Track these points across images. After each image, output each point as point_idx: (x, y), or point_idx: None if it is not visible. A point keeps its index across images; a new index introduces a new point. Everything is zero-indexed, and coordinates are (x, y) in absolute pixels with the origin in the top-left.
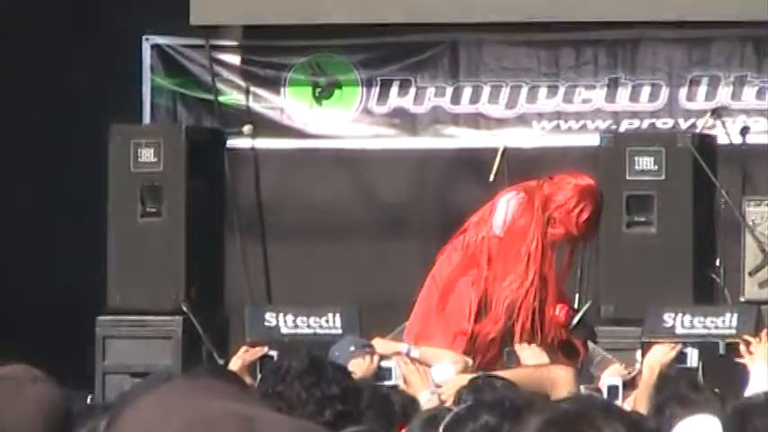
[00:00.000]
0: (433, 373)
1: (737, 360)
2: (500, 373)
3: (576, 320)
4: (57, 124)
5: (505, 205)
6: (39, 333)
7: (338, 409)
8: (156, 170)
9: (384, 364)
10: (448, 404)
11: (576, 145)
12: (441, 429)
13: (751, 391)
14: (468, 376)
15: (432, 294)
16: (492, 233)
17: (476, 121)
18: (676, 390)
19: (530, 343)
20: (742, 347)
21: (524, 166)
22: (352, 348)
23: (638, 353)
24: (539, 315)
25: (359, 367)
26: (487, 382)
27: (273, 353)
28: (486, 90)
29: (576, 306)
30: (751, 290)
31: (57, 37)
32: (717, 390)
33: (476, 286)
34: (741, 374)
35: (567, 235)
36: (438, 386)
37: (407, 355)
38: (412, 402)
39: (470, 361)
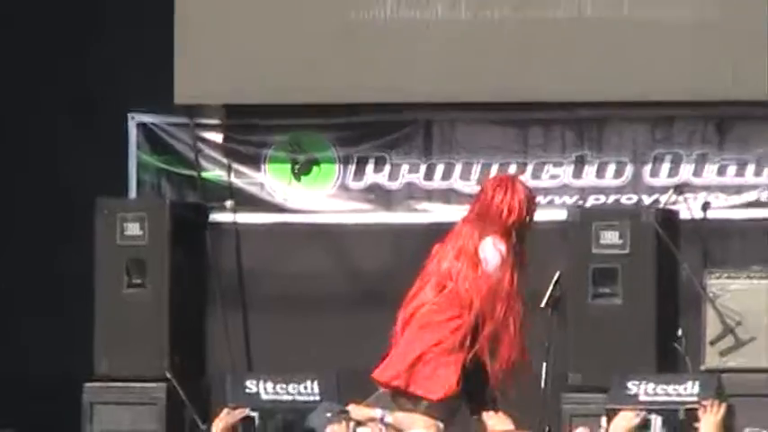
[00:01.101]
0: None
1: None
2: None
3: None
4: (44, 198)
5: (493, 248)
6: (29, 400)
7: None
8: (141, 243)
9: (360, 430)
10: None
11: (543, 219)
12: None
13: None
14: None
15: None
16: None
17: (448, 196)
18: None
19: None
20: (700, 413)
21: None
22: (329, 415)
23: (604, 419)
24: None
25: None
26: None
27: (254, 414)
28: (458, 167)
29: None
30: (711, 359)
31: (43, 111)
32: None
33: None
34: None
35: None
36: None
37: (381, 420)
38: None
39: (442, 426)
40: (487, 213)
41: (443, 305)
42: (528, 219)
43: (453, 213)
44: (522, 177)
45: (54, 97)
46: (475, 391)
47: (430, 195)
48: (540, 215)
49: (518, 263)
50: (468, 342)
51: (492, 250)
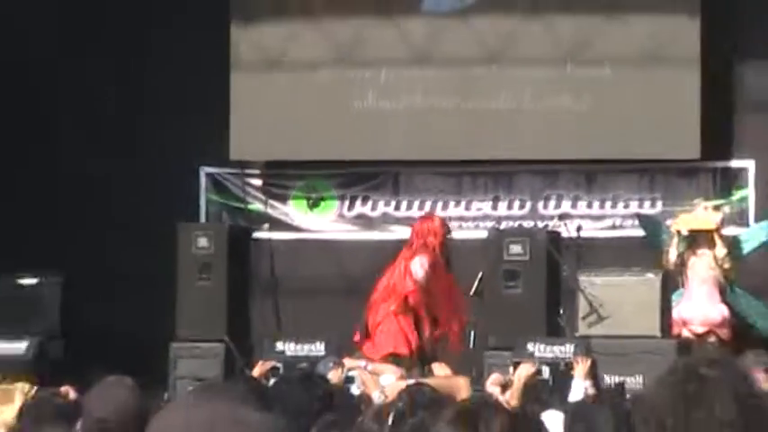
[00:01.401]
0: (381, 380)
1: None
2: (424, 380)
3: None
4: (147, 223)
5: (419, 265)
6: (132, 357)
7: (321, 404)
8: (208, 252)
9: (350, 374)
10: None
11: (472, 237)
12: (390, 420)
13: (572, 394)
14: (404, 383)
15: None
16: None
17: (409, 222)
18: (535, 393)
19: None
20: (574, 364)
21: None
22: (331, 364)
23: (511, 369)
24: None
25: (334, 376)
26: (417, 387)
27: (280, 365)
28: (416, 203)
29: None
30: (582, 329)
31: (136, 167)
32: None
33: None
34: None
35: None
36: (384, 389)
37: (365, 368)
38: (367, 399)
39: (403, 371)
40: (417, 239)
41: (390, 299)
42: (444, 241)
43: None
44: (452, 212)
45: (151, 155)
46: (423, 350)
47: (398, 221)
48: (471, 235)
49: (440, 270)
50: (410, 320)
51: (418, 265)
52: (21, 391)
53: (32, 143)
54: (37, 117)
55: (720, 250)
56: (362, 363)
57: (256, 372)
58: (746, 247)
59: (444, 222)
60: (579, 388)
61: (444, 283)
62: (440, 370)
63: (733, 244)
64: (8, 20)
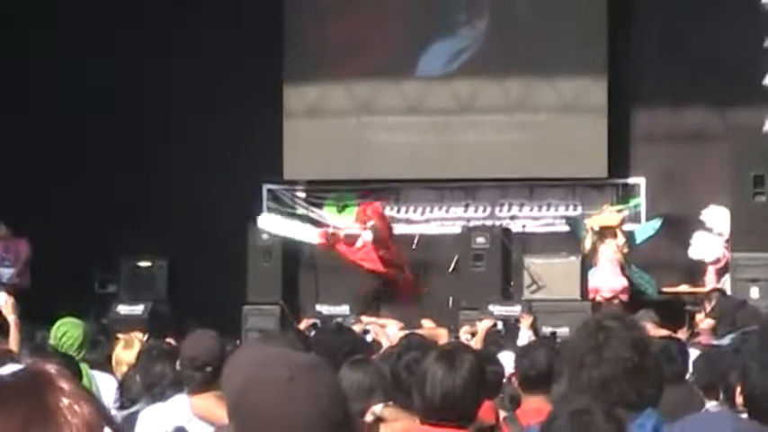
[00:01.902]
0: (387, 330)
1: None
2: (417, 331)
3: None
4: (227, 223)
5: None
6: (215, 316)
7: (348, 347)
8: (268, 243)
9: (367, 327)
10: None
11: (450, 233)
12: (393, 358)
13: (520, 341)
14: (402, 332)
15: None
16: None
17: (408, 221)
18: (494, 339)
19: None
20: (521, 319)
21: (427, 240)
22: (352, 320)
23: (477, 322)
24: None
25: (356, 328)
26: (411, 335)
27: (318, 321)
28: (412, 208)
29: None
30: (527, 295)
31: (220, 184)
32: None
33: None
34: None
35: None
36: (389, 336)
37: (375, 323)
38: (378, 344)
39: (402, 324)
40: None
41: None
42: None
43: (409, 229)
44: (435, 215)
45: (230, 176)
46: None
47: (398, 221)
48: (449, 230)
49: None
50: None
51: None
52: (138, 339)
53: (145, 162)
54: (140, 140)
55: (621, 240)
56: (373, 319)
57: (302, 325)
58: (639, 238)
59: (381, 206)
60: (525, 336)
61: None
62: (427, 323)
63: (630, 236)
64: (96, 46)
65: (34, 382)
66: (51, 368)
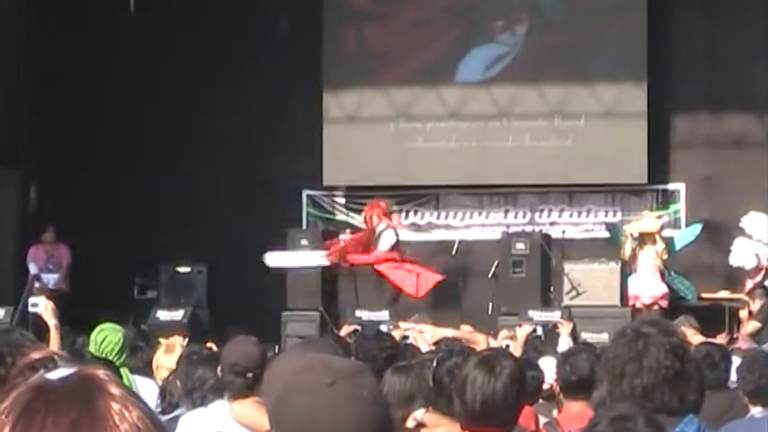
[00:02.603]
0: (425, 335)
1: (558, 331)
2: (454, 334)
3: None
4: (267, 229)
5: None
6: (255, 321)
7: (388, 353)
8: (308, 248)
9: (406, 333)
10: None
11: (489, 238)
12: (434, 363)
13: (560, 347)
14: (439, 337)
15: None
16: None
17: (447, 227)
18: (534, 344)
19: None
20: (560, 326)
21: (467, 246)
22: (391, 327)
23: (516, 328)
24: None
25: (395, 334)
26: (451, 340)
27: (359, 327)
28: (451, 214)
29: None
30: (566, 301)
31: (261, 191)
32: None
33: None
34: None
35: None
36: (428, 342)
37: (413, 329)
38: (416, 349)
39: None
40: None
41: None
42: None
43: (449, 235)
44: (475, 221)
45: (270, 182)
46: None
47: (438, 227)
48: (488, 236)
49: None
50: None
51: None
52: (179, 344)
53: (185, 168)
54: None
55: (660, 246)
56: (411, 325)
57: (343, 332)
58: (678, 245)
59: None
60: (565, 342)
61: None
62: (466, 328)
63: (669, 242)
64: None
65: (84, 387)
66: (101, 373)
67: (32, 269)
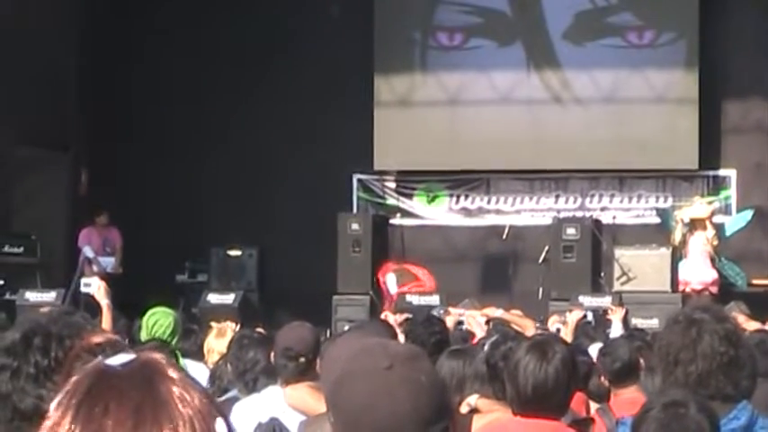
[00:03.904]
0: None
1: (608, 317)
2: (503, 315)
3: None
4: (317, 213)
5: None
6: (305, 305)
7: (437, 338)
8: (359, 233)
9: (460, 318)
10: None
11: (540, 224)
12: (486, 347)
13: (613, 333)
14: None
15: None
16: None
17: (498, 211)
18: (584, 330)
19: None
20: (610, 312)
21: (517, 231)
22: (442, 311)
23: (567, 313)
24: None
25: (446, 319)
26: (504, 326)
27: (411, 316)
28: (502, 199)
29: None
30: (617, 287)
31: (312, 175)
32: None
33: None
34: (610, 325)
35: None
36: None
37: (462, 314)
38: (471, 334)
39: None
40: None
41: None
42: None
43: (499, 220)
44: (525, 206)
45: (322, 167)
46: None
47: (489, 211)
48: (539, 222)
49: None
50: None
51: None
52: (231, 328)
53: (235, 151)
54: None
55: (711, 232)
56: (461, 310)
57: (398, 319)
58: (729, 231)
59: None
60: (617, 328)
61: None
62: (515, 311)
63: (719, 228)
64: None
65: (145, 372)
66: (161, 358)
67: (88, 252)
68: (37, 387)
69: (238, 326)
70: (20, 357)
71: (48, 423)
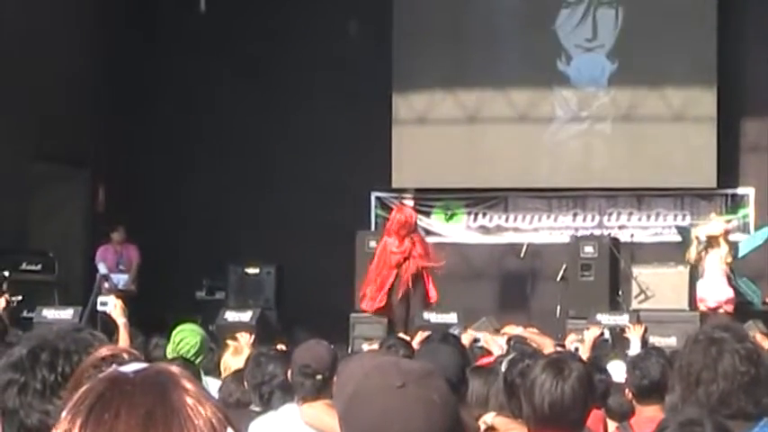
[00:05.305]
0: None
1: (625, 335)
2: (523, 334)
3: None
4: (335, 230)
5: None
6: (323, 323)
7: (455, 355)
8: (374, 248)
9: (477, 336)
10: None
11: (558, 242)
12: (504, 364)
13: (631, 351)
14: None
15: None
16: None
17: (516, 229)
18: (601, 348)
19: None
20: (627, 330)
21: (535, 249)
22: (458, 330)
23: (585, 331)
24: None
25: (463, 337)
26: (522, 344)
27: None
28: (520, 217)
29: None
30: (635, 305)
31: (330, 193)
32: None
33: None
34: (627, 343)
35: None
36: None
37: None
38: (488, 352)
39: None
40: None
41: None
42: (414, 222)
43: (517, 238)
44: (543, 224)
45: (339, 185)
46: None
47: (506, 230)
48: (557, 239)
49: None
50: None
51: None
52: (247, 344)
53: (253, 169)
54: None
55: (725, 249)
56: (480, 335)
57: (415, 340)
58: (744, 249)
59: (411, 210)
60: (636, 346)
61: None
62: (532, 329)
63: (734, 246)
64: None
65: (158, 380)
66: (174, 368)
67: (102, 269)
68: (43, 403)
69: (252, 337)
70: (27, 373)
71: (59, 426)
